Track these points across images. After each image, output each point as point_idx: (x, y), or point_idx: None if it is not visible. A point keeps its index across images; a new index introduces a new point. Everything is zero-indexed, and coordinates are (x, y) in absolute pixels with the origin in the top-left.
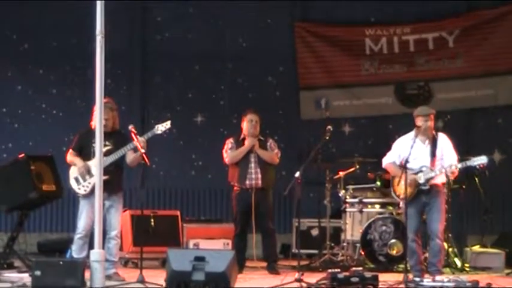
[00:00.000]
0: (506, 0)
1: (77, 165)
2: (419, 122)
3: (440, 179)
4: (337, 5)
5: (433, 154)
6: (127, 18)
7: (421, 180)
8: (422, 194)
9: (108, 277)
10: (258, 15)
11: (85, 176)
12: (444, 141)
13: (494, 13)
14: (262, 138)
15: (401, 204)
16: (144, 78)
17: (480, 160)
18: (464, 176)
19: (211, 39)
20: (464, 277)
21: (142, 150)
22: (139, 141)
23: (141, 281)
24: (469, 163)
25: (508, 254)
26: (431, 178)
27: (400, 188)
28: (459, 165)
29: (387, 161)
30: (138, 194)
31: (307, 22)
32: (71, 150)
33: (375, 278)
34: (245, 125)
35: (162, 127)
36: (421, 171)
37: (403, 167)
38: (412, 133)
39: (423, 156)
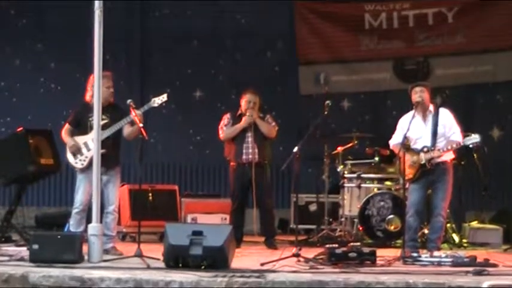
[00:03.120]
0: None
1: (67, 144)
2: (414, 95)
3: (448, 156)
4: None
5: (434, 133)
6: None
7: (423, 161)
8: (427, 173)
9: (106, 251)
10: None
11: (76, 154)
12: (446, 117)
13: None
14: (261, 115)
15: (407, 184)
16: (143, 54)
17: (473, 139)
18: (463, 152)
19: (210, 15)
20: (462, 253)
21: (141, 124)
22: (136, 115)
23: (139, 255)
24: (462, 142)
25: (505, 230)
26: (432, 158)
27: (406, 168)
28: (455, 145)
29: (393, 142)
30: (136, 169)
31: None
32: (67, 125)
33: (373, 254)
34: (243, 104)
35: (158, 100)
36: (422, 151)
37: (403, 143)
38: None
39: (425, 135)
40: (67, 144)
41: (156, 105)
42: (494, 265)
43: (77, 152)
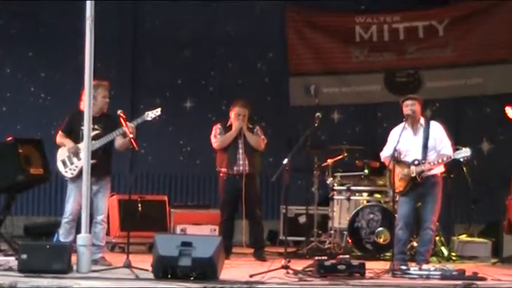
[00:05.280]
0: None
1: (67, 145)
2: (405, 108)
3: (438, 169)
4: None
5: (425, 146)
6: (118, 3)
7: (413, 174)
8: (417, 186)
9: (95, 261)
10: (248, 1)
11: (73, 158)
12: (437, 130)
13: (484, 3)
14: (250, 126)
15: (397, 197)
16: (134, 63)
17: (464, 153)
18: (452, 165)
19: (201, 25)
20: (450, 266)
21: (131, 136)
22: (128, 127)
23: (128, 265)
24: (453, 156)
25: (494, 244)
26: (423, 172)
27: (396, 181)
28: (446, 158)
29: (384, 154)
30: (126, 179)
31: (299, 9)
32: (60, 132)
33: (362, 266)
34: (232, 116)
35: (152, 114)
36: (413, 164)
37: (393, 156)
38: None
39: (416, 148)
40: (66, 146)
41: (149, 118)
42: (483, 279)
43: (74, 154)
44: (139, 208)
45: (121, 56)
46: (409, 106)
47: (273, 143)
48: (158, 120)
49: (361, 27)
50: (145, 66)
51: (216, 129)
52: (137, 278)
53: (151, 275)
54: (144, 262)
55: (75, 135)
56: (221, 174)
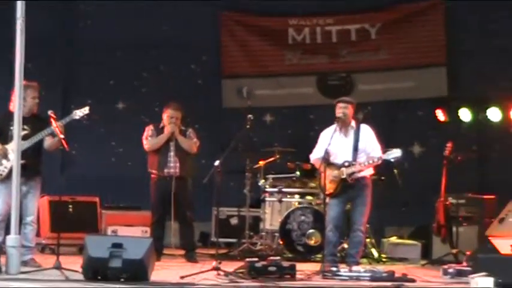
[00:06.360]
0: None
1: None
2: (337, 111)
3: (367, 172)
4: None
5: (355, 148)
6: (51, 4)
7: (343, 175)
8: (348, 188)
9: (25, 263)
10: (181, 4)
11: (1, 159)
12: (366, 133)
13: (416, 7)
14: (183, 128)
15: (328, 199)
16: (66, 64)
17: (395, 153)
18: (383, 167)
19: (134, 26)
20: (380, 268)
21: (62, 136)
22: (57, 126)
23: (58, 267)
24: (384, 157)
25: (424, 246)
26: (353, 173)
27: (327, 183)
28: (376, 160)
29: (314, 156)
30: (57, 180)
31: (232, 11)
32: None
33: (293, 268)
34: (165, 119)
35: (80, 112)
36: (343, 166)
37: (323, 158)
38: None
39: (346, 150)
40: None
41: (77, 117)
42: (412, 280)
43: (2, 157)
44: (70, 209)
45: (53, 57)
46: (342, 109)
47: (206, 145)
48: (90, 121)
49: (294, 29)
50: (77, 66)
51: (148, 130)
52: (67, 280)
53: (81, 277)
54: (75, 263)
55: (3, 136)
56: (152, 176)
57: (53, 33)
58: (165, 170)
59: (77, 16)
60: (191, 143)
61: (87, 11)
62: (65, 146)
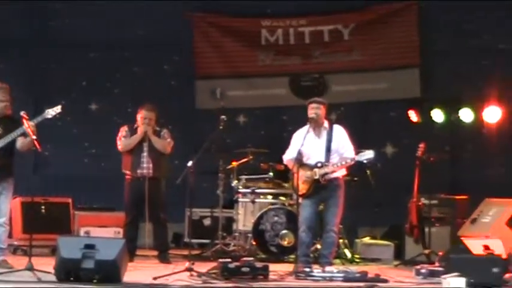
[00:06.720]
0: None
1: None
2: (309, 111)
3: (340, 172)
4: None
5: (328, 149)
6: (24, 4)
7: (316, 176)
8: (320, 189)
9: None
10: (155, 4)
11: None
12: (339, 134)
13: (389, 8)
14: (158, 129)
15: (301, 200)
16: (39, 65)
17: (367, 155)
18: (356, 168)
19: (107, 26)
20: (353, 268)
21: (34, 137)
22: (29, 126)
23: (30, 268)
24: (356, 158)
25: (397, 246)
26: (326, 174)
27: (299, 184)
28: (349, 161)
29: (287, 156)
30: (29, 181)
31: (205, 12)
32: None
33: (266, 268)
34: (139, 119)
35: (52, 111)
36: (316, 166)
37: (296, 158)
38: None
39: (319, 151)
40: None
41: (49, 116)
42: (385, 280)
43: None
44: (43, 210)
45: (25, 58)
46: (314, 109)
47: (180, 145)
48: (63, 122)
49: (267, 30)
50: (50, 67)
51: (123, 131)
52: (39, 281)
53: (53, 278)
54: (47, 265)
55: None
56: (127, 177)
57: (25, 34)
58: (138, 171)
59: (49, 17)
60: (165, 143)
61: (60, 12)
62: (37, 146)
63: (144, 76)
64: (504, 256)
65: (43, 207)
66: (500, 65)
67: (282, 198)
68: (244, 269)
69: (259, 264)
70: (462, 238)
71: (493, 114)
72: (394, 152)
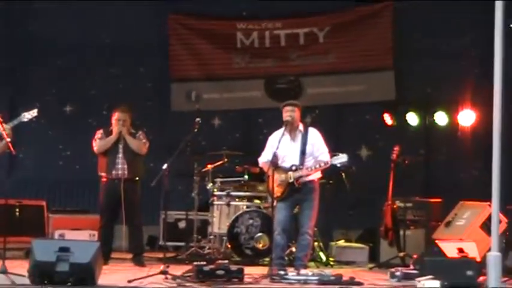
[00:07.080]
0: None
1: None
2: (284, 114)
3: (315, 175)
4: None
5: (302, 152)
6: (1, 5)
7: (291, 179)
8: (295, 192)
9: None
10: (131, 7)
11: None
12: (314, 137)
13: (365, 11)
14: (133, 131)
15: (275, 202)
16: (13, 67)
17: (341, 159)
18: (331, 171)
19: (83, 28)
20: (328, 271)
21: (8, 139)
22: (5, 130)
23: (4, 271)
24: (331, 161)
25: (372, 249)
26: (301, 177)
27: (274, 187)
28: (323, 164)
29: (262, 159)
30: (2, 184)
31: (180, 14)
32: None
33: (240, 271)
34: (114, 122)
35: (28, 115)
36: (291, 169)
37: (271, 161)
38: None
39: (293, 154)
40: None
41: (26, 119)
42: (360, 283)
43: None
44: (17, 213)
45: (1, 58)
46: (289, 112)
47: (155, 148)
48: (38, 124)
49: (243, 33)
50: (25, 69)
51: (98, 133)
52: (13, 284)
53: (27, 281)
54: (21, 268)
55: None
56: (102, 179)
57: (1, 34)
58: (113, 172)
59: (25, 18)
60: (140, 143)
61: (36, 13)
62: (11, 149)
63: (120, 78)
64: (478, 259)
65: (17, 210)
66: (474, 69)
67: (257, 201)
68: (219, 272)
69: (234, 267)
70: (436, 241)
71: (467, 117)
72: (369, 154)
